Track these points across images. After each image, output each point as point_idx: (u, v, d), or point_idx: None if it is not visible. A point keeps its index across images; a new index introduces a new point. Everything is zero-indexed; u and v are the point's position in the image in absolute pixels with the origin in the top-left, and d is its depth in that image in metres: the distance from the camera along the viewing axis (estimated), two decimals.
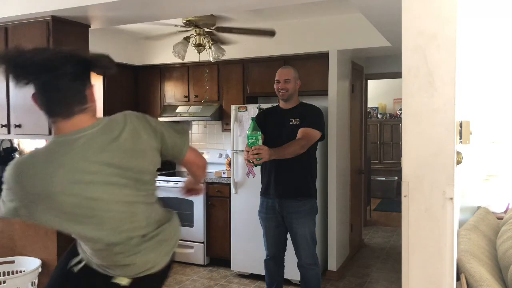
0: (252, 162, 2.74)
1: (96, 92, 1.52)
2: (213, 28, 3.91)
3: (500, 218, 2.89)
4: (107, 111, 4.87)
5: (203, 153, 5.21)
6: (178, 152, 1.67)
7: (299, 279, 3.32)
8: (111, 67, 1.55)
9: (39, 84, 1.39)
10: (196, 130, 5.44)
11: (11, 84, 3.22)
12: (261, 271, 3.76)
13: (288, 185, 3.02)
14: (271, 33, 3.80)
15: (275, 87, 3.11)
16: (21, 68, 1.33)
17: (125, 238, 1.52)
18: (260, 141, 2.75)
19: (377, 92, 8.69)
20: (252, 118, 2.87)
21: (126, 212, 1.50)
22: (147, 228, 1.57)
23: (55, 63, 1.37)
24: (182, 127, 1.71)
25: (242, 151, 3.49)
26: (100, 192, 1.42)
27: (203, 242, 4.58)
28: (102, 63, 1.52)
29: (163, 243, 1.61)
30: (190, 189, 2.02)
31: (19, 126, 3.20)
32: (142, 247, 1.54)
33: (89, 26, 3.34)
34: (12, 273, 3.00)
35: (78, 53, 1.47)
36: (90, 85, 1.48)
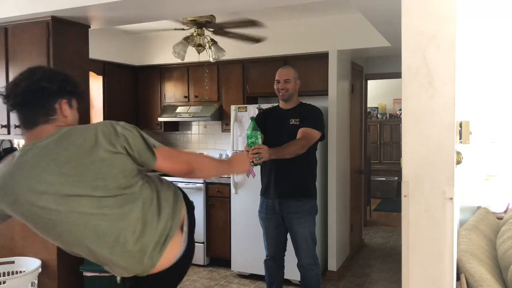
0: (252, 162, 2.74)
1: (69, 108, 1.56)
2: (212, 30, 3.91)
3: (500, 218, 2.89)
4: (107, 112, 4.87)
5: (202, 153, 5.22)
6: (145, 162, 1.54)
7: (299, 279, 3.32)
8: (76, 92, 1.60)
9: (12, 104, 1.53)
10: (196, 131, 5.44)
11: None
12: (261, 271, 3.75)
13: (288, 185, 3.02)
14: (256, 40, 3.86)
15: (275, 87, 3.11)
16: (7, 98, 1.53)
17: (88, 252, 1.51)
18: (260, 141, 2.75)
19: (377, 92, 8.69)
20: (252, 118, 2.87)
21: (85, 225, 1.45)
22: (116, 248, 1.49)
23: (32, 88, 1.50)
24: (155, 143, 1.58)
25: (242, 151, 3.49)
26: (55, 204, 1.42)
27: (203, 242, 4.58)
28: (69, 88, 1.57)
29: (144, 253, 1.53)
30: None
31: (19, 126, 3.19)
32: (114, 258, 1.52)
33: (89, 27, 3.34)
34: (12, 273, 3.00)
35: (52, 74, 1.57)
36: (61, 100, 1.53)
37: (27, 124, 1.52)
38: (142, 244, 1.51)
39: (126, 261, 1.52)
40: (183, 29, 3.90)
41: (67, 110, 1.54)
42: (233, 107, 4.32)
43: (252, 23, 3.65)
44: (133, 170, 1.51)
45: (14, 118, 3.21)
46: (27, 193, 1.42)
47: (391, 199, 8.30)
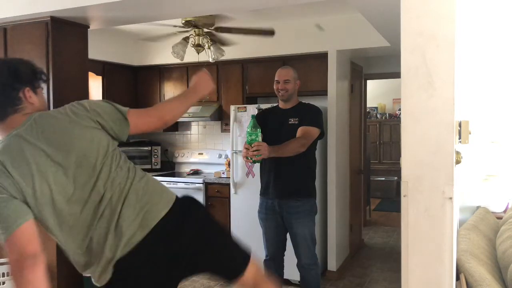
0: (251, 159, 2.74)
1: (34, 94, 1.60)
2: (212, 28, 3.91)
3: (500, 218, 2.89)
4: None
5: (202, 153, 5.22)
6: (120, 130, 1.64)
7: (298, 279, 3.32)
8: (37, 77, 1.64)
9: None
10: (195, 131, 5.43)
11: None
12: None
13: (288, 185, 3.02)
14: (270, 33, 3.80)
15: (274, 87, 3.11)
16: None
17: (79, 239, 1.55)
18: (259, 138, 2.76)
19: (376, 92, 8.69)
20: (252, 116, 2.87)
21: (71, 211, 1.51)
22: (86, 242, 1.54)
23: None
24: (124, 109, 1.68)
25: (242, 151, 3.50)
26: (44, 184, 1.48)
27: None
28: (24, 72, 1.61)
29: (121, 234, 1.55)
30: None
31: None
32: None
33: (88, 27, 3.33)
34: None
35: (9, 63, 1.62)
36: (24, 88, 1.57)
37: None
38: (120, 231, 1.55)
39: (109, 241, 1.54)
40: (185, 31, 3.90)
41: (32, 97, 1.59)
42: (232, 107, 4.32)
43: (262, 32, 3.64)
44: (108, 142, 1.59)
45: None
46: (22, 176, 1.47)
47: (390, 199, 8.30)
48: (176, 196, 1.71)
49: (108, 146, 1.59)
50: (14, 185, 1.44)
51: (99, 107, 1.62)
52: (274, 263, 3.19)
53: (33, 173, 1.46)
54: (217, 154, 5.11)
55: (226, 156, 4.96)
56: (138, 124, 1.70)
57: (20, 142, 1.49)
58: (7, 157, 1.46)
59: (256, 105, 4.17)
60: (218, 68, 4.85)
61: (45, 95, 1.74)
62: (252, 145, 2.70)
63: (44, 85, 1.68)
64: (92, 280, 1.63)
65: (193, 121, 5.23)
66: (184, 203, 1.72)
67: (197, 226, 1.69)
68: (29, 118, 1.53)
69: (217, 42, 4.00)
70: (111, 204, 1.54)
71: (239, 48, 4.43)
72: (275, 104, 3.37)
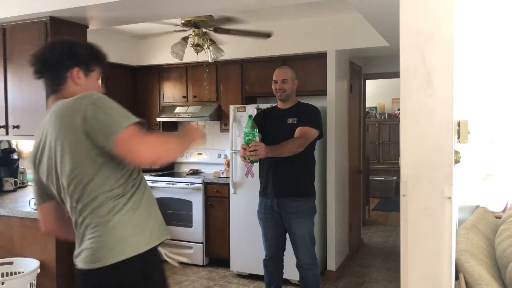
0: (249, 159, 2.74)
1: (82, 76, 1.61)
2: (211, 29, 3.91)
3: (499, 217, 2.89)
4: None
5: (201, 153, 5.22)
6: (106, 135, 1.44)
7: (298, 279, 3.32)
8: (94, 59, 1.64)
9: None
10: None
11: (9, 85, 3.21)
12: (260, 271, 3.76)
13: (287, 185, 3.02)
14: (267, 35, 3.81)
15: (273, 87, 3.11)
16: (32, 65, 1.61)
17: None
18: (257, 138, 2.76)
19: (375, 92, 8.69)
20: (250, 116, 2.87)
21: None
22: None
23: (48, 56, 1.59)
24: (121, 125, 1.44)
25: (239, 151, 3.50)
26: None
27: (202, 243, 4.57)
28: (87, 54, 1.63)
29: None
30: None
31: (17, 127, 3.19)
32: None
33: (87, 27, 3.33)
34: (11, 274, 2.99)
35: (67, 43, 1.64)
36: (74, 68, 1.58)
37: (46, 93, 1.63)
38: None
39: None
40: (183, 30, 3.90)
41: (81, 78, 1.59)
42: (231, 107, 4.32)
43: (260, 34, 3.64)
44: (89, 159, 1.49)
45: (13, 119, 3.22)
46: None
47: (390, 198, 8.31)
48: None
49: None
50: None
51: None
52: (274, 263, 3.19)
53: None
54: (216, 154, 5.11)
55: (226, 156, 4.96)
56: None
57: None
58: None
59: (255, 105, 4.17)
60: (217, 68, 4.85)
61: (99, 82, 1.68)
62: (250, 145, 2.70)
63: (102, 71, 1.66)
64: None
65: (192, 121, 5.22)
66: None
67: None
68: (54, 106, 1.55)
69: (216, 42, 4.00)
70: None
71: (238, 48, 4.43)
72: (274, 104, 3.37)
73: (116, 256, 1.49)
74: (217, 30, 3.89)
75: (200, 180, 4.55)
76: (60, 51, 1.57)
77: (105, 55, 1.68)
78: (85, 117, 1.44)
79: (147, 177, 4.66)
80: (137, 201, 1.57)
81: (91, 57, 1.62)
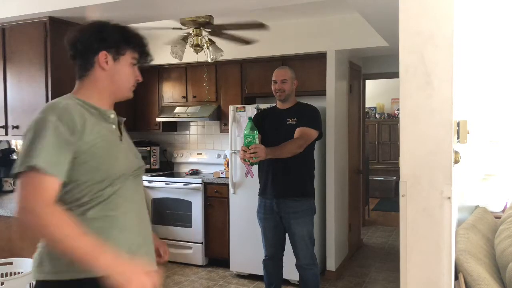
0: (249, 161, 2.74)
1: (110, 60, 1.49)
2: (210, 30, 3.91)
3: (498, 217, 2.89)
4: None
5: (201, 153, 5.21)
6: None
7: (297, 279, 3.32)
8: (127, 42, 1.51)
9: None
10: (194, 131, 5.43)
11: (9, 85, 3.21)
12: (259, 271, 3.76)
13: (286, 185, 3.02)
14: (260, 25, 3.77)
15: (272, 87, 3.11)
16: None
17: None
18: (257, 140, 2.76)
19: (375, 92, 8.70)
20: (249, 118, 2.88)
21: None
22: None
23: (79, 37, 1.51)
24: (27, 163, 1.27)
25: (239, 153, 3.50)
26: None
27: (201, 243, 4.57)
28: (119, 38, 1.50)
29: None
30: None
31: (17, 127, 3.19)
32: None
33: None
34: (10, 274, 2.99)
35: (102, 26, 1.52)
36: (102, 52, 1.46)
37: (75, 78, 1.54)
38: None
39: None
40: (181, 29, 3.89)
41: (109, 63, 1.47)
42: (231, 107, 4.32)
43: (254, 26, 3.63)
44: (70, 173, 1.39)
45: (12, 119, 3.22)
46: None
47: (389, 198, 8.31)
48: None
49: None
50: None
51: None
52: (273, 263, 3.19)
53: None
54: (216, 154, 5.11)
55: (225, 156, 4.96)
56: None
57: None
58: None
59: (255, 105, 4.17)
60: (217, 68, 4.85)
61: (128, 71, 1.59)
62: (250, 148, 2.70)
63: (137, 56, 1.55)
64: None
65: (192, 121, 5.23)
66: None
67: None
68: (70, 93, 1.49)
69: (215, 42, 4.00)
70: None
71: (238, 48, 4.42)
72: (273, 104, 3.37)
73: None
74: (212, 32, 3.89)
75: (199, 180, 4.55)
76: (89, 34, 1.47)
77: (142, 38, 1.55)
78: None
79: (147, 177, 4.67)
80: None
81: (123, 40, 1.49)
